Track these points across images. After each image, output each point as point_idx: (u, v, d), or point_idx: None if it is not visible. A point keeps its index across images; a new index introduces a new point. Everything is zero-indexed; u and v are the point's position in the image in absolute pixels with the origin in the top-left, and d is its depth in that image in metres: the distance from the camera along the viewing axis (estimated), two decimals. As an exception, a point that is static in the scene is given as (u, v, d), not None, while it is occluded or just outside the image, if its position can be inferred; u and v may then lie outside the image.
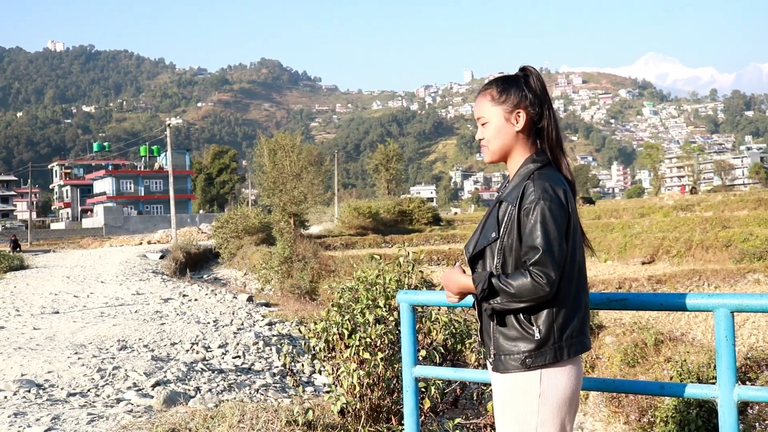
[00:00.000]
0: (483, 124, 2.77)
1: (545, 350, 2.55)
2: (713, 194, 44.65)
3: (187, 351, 11.11)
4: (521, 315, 2.57)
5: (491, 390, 6.06)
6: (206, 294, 20.69)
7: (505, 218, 2.59)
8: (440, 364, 5.52)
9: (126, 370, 9.24)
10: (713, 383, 2.94)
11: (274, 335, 12.81)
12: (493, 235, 2.61)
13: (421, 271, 6.17)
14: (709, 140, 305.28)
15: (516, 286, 2.49)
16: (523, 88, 2.70)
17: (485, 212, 2.87)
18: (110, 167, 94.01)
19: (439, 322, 5.82)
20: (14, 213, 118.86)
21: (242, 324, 14.16)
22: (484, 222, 2.76)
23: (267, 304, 18.80)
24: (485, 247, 2.65)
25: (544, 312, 2.55)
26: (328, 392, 5.85)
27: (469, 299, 2.96)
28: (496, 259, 2.60)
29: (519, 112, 2.69)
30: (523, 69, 2.77)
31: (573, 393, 2.61)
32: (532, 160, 2.67)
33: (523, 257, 2.53)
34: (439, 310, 5.83)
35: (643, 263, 25.90)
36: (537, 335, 2.54)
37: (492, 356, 2.67)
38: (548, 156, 2.70)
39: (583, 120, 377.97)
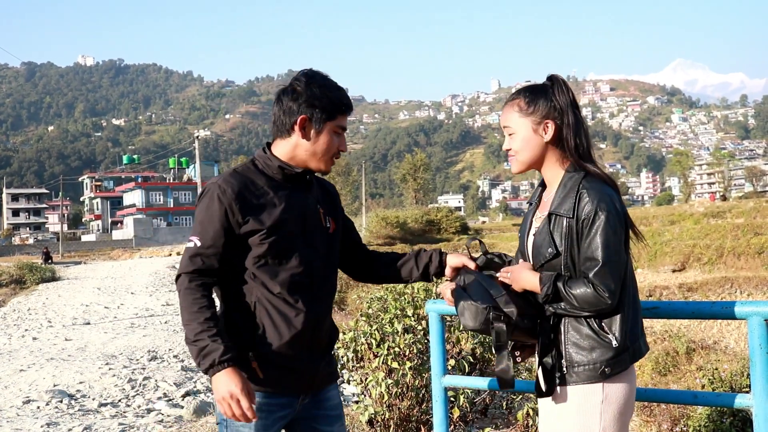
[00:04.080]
0: (510, 135, 2.73)
1: (624, 357, 2.52)
2: (744, 201, 44.11)
3: (217, 361, 11.16)
4: (594, 323, 2.53)
5: (521, 399, 6.03)
6: (235, 304, 20.77)
7: (564, 231, 2.54)
8: (469, 374, 5.49)
9: (156, 381, 9.30)
10: (747, 392, 2.90)
11: (302, 345, 12.83)
12: (550, 250, 2.56)
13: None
14: (739, 146, 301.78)
15: (578, 296, 2.46)
16: (551, 98, 2.66)
17: (522, 225, 2.83)
18: (140, 179, 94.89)
19: (467, 332, 5.80)
20: (46, 225, 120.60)
21: (271, 334, 14.19)
22: (526, 234, 2.73)
23: (295, 315, 18.83)
24: (543, 264, 2.60)
25: (618, 318, 2.51)
26: (356, 402, 5.85)
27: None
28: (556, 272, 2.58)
29: (547, 123, 2.64)
30: (551, 78, 2.74)
31: (631, 397, 2.60)
32: (575, 169, 2.63)
33: (582, 268, 2.50)
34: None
35: (674, 271, 25.64)
36: (614, 343, 2.50)
37: (564, 369, 2.57)
38: (582, 164, 2.65)
39: (612, 127, 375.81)
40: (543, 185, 2.80)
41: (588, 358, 2.53)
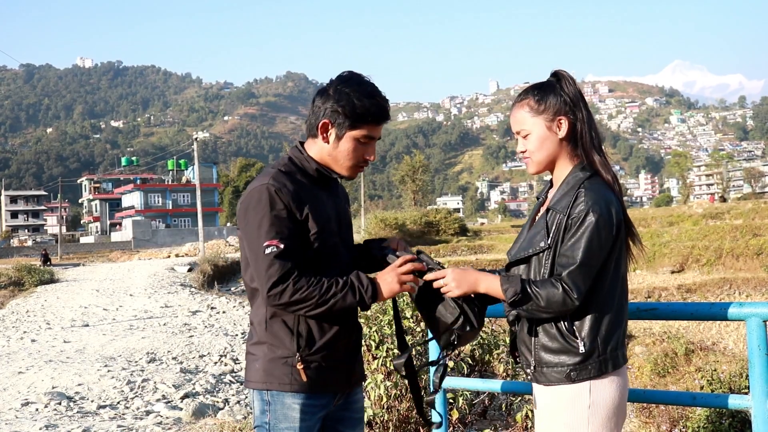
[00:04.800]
0: (524, 137, 2.68)
1: (590, 363, 2.50)
2: (743, 202, 44.12)
3: (216, 363, 11.16)
4: (563, 326, 2.51)
5: (520, 401, 6.03)
6: (234, 306, 20.79)
7: (554, 227, 2.54)
8: (468, 375, 5.50)
9: (155, 383, 9.29)
10: (746, 393, 2.90)
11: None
12: (542, 243, 2.55)
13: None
14: (738, 147, 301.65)
15: (545, 297, 2.45)
16: (560, 94, 2.63)
17: (527, 220, 2.82)
18: (138, 181, 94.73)
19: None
20: (44, 227, 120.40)
21: (270, 336, 14.19)
22: (528, 228, 2.72)
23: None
24: (531, 255, 2.60)
25: (588, 323, 2.50)
26: (355, 404, 5.83)
27: (494, 309, 2.93)
28: (543, 267, 2.55)
29: (561, 119, 2.62)
30: (556, 74, 2.71)
31: (621, 402, 2.58)
32: (581, 168, 2.62)
33: (558, 263, 2.49)
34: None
35: (673, 272, 25.66)
36: (581, 348, 2.49)
37: (532, 368, 2.61)
38: (589, 159, 2.63)
39: (610, 129, 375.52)
40: (551, 183, 2.78)
41: (556, 360, 2.53)
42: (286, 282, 2.50)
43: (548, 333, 2.55)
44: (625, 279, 2.64)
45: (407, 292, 2.72)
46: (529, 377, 2.67)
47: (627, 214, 2.63)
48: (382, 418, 5.34)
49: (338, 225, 2.74)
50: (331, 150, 2.68)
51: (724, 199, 71.26)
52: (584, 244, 2.45)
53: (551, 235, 2.54)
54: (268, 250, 2.51)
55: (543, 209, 2.71)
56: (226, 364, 11.00)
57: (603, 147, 2.69)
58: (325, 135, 2.67)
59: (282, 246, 2.51)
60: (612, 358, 2.53)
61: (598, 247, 2.46)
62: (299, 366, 2.59)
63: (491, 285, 2.58)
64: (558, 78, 2.69)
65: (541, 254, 2.56)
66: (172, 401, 8.34)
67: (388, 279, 2.60)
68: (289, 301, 2.51)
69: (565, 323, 2.52)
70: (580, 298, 2.44)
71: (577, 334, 2.50)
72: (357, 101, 2.62)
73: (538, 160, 2.68)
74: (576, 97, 2.65)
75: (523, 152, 2.72)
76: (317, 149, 2.71)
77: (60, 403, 8.16)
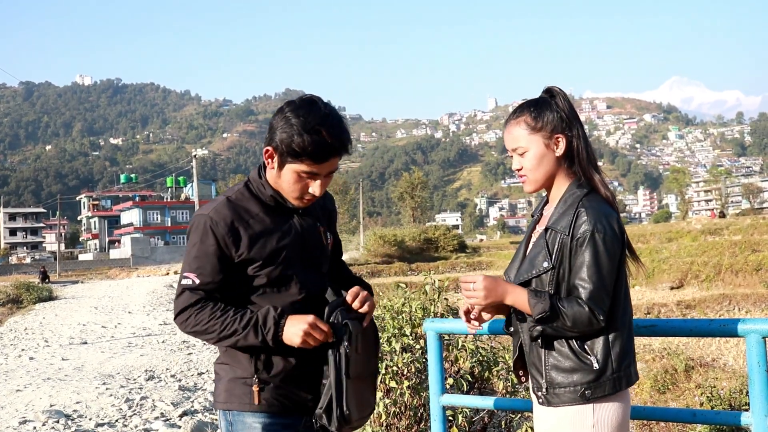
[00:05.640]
0: (521, 154, 2.64)
1: (604, 381, 2.46)
2: (742, 218, 44.13)
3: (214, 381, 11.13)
4: (575, 344, 2.49)
5: (519, 418, 6.01)
6: (233, 323, 20.73)
7: (556, 247, 2.51)
8: (468, 392, 5.48)
9: (153, 400, 9.26)
10: (746, 410, 2.89)
11: (300, 364, 12.79)
12: (545, 264, 2.52)
13: (446, 299, 6.15)
14: (736, 163, 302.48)
15: (572, 317, 2.42)
16: (556, 110, 2.61)
17: (524, 238, 2.78)
18: (137, 198, 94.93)
19: (466, 350, 5.79)
20: (43, 244, 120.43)
21: (269, 353, 14.16)
22: (525, 248, 2.69)
23: (293, 333, 18.82)
24: (533, 277, 2.56)
25: (600, 341, 2.47)
26: (355, 421, 5.80)
27: (494, 325, 2.91)
28: (548, 288, 2.51)
29: (558, 137, 2.59)
30: (549, 90, 2.69)
31: (624, 420, 2.55)
32: (578, 185, 2.59)
33: (572, 287, 2.47)
34: (465, 337, 5.79)
35: (672, 288, 25.64)
36: (595, 365, 2.46)
37: (544, 390, 2.55)
38: (585, 176, 2.61)
39: (608, 145, 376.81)
40: (547, 199, 2.75)
41: (569, 380, 2.49)
42: (189, 313, 2.54)
43: (560, 352, 2.52)
44: (629, 295, 2.63)
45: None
46: (540, 401, 2.60)
47: (624, 231, 2.59)
48: (381, 436, 5.32)
49: (301, 248, 2.64)
50: (275, 178, 2.58)
51: (723, 215, 71.34)
52: (594, 264, 2.43)
53: (554, 255, 2.51)
54: (183, 281, 2.56)
55: (539, 227, 2.68)
56: (224, 382, 10.97)
57: (596, 162, 2.67)
58: (270, 162, 2.56)
59: (198, 281, 2.53)
60: (626, 376, 2.50)
61: (608, 264, 2.44)
62: (255, 388, 2.57)
63: (519, 298, 2.52)
64: (552, 94, 2.67)
65: (544, 275, 2.53)
66: (170, 419, 8.31)
67: (292, 330, 2.49)
68: (191, 331, 2.56)
69: (577, 341, 2.49)
70: (606, 317, 2.43)
71: (590, 351, 2.48)
72: (297, 136, 2.44)
73: (536, 178, 2.64)
74: (570, 113, 2.63)
75: (519, 170, 2.68)
76: (271, 175, 2.61)
77: (58, 422, 8.12)
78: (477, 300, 2.56)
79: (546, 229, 2.58)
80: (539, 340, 2.55)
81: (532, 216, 2.84)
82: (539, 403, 2.61)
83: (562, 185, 2.64)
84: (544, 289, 2.51)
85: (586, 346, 2.48)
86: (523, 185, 2.74)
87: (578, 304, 2.43)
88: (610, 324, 2.48)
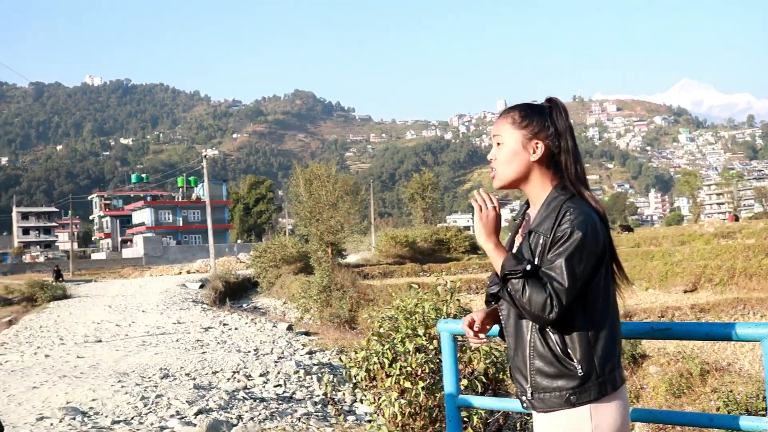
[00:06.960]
0: (498, 144, 2.69)
1: (589, 386, 2.47)
2: (755, 221, 43.88)
3: (229, 379, 11.19)
4: (558, 349, 2.49)
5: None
6: (246, 323, 20.82)
7: (539, 249, 2.53)
8: (482, 394, 5.51)
9: (169, 399, 9.33)
10: (763, 415, 2.92)
11: (314, 364, 12.85)
12: (528, 267, 2.51)
13: (458, 300, 6.19)
14: (748, 166, 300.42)
15: (530, 293, 2.43)
16: (546, 119, 2.63)
17: (508, 240, 2.79)
18: (149, 198, 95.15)
19: (480, 351, 5.82)
20: (56, 243, 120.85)
21: (282, 353, 14.23)
22: (509, 249, 2.69)
23: (306, 333, 18.89)
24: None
25: (583, 345, 2.48)
26: (369, 421, 5.87)
27: (494, 329, 2.94)
28: None
29: (537, 143, 2.62)
30: (550, 100, 2.71)
31: (624, 424, 2.55)
32: (562, 189, 2.60)
33: (543, 275, 2.47)
34: (480, 339, 5.82)
35: (686, 291, 25.54)
36: (579, 371, 2.47)
37: (529, 395, 2.57)
38: (574, 185, 2.62)
39: (619, 147, 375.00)
40: (528, 204, 2.77)
41: (554, 385, 2.51)
42: None
43: (543, 357, 2.53)
44: (616, 300, 2.63)
45: None
46: (525, 405, 2.62)
47: (611, 238, 2.61)
48: (397, 436, 5.36)
49: None
50: None
51: (736, 218, 70.97)
52: (570, 261, 2.44)
53: (536, 257, 2.53)
54: None
55: (522, 230, 2.72)
56: (239, 381, 11.03)
57: (586, 180, 2.67)
58: None
59: None
60: (611, 380, 2.51)
61: (582, 264, 2.45)
62: None
63: (496, 252, 2.59)
64: (551, 105, 2.70)
65: None
66: (185, 417, 8.37)
67: None
68: None
69: (559, 346, 2.50)
70: (560, 312, 2.42)
71: (573, 357, 2.48)
72: None
73: (504, 174, 2.68)
74: (564, 127, 2.64)
75: (493, 160, 2.72)
76: None
77: (74, 418, 8.20)
78: (475, 220, 2.63)
79: (530, 232, 2.61)
80: (518, 349, 2.60)
81: (514, 220, 2.87)
82: (524, 407, 2.64)
83: (542, 189, 2.66)
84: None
85: (568, 350, 2.49)
86: (492, 180, 2.75)
87: (542, 287, 2.43)
88: (591, 328, 2.49)
